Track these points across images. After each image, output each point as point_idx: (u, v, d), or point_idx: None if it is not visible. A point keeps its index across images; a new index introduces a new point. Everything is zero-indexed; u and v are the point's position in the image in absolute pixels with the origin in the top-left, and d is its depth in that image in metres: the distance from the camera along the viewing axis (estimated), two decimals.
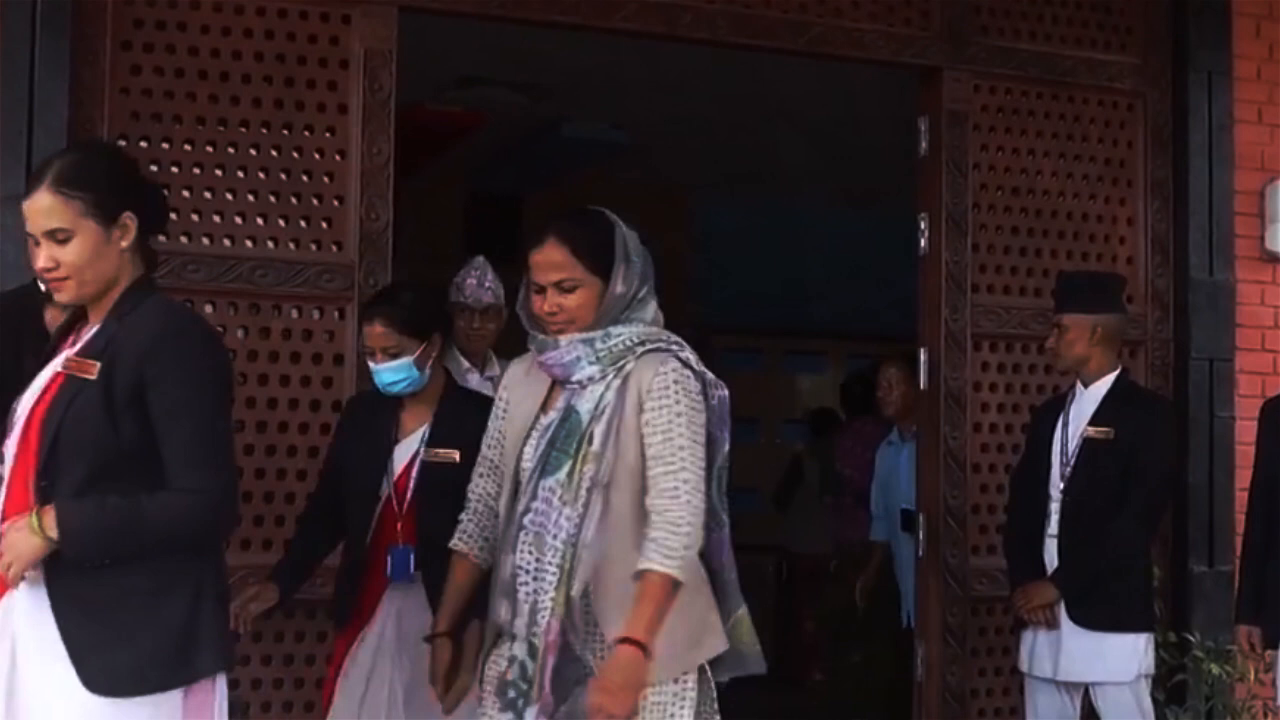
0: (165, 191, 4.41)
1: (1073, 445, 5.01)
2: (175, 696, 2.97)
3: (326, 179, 5.01)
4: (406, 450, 4.25)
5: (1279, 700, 4.98)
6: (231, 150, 4.91)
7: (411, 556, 4.15)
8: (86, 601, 2.93)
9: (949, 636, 5.65)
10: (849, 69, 6.03)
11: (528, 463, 3.44)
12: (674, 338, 3.48)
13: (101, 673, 2.89)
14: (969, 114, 5.79)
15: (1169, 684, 5.43)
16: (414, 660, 4.05)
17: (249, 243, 4.91)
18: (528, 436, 3.47)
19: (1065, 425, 5.06)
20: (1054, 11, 5.95)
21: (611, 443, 3.34)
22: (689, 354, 3.46)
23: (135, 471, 2.96)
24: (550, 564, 3.34)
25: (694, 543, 3.30)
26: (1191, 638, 5.50)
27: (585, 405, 3.40)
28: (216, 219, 4.90)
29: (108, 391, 2.95)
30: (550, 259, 3.43)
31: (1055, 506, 5.00)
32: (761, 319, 10.12)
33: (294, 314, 4.97)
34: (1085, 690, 5.00)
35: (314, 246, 4.99)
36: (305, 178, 4.99)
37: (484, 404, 3.81)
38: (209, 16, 4.91)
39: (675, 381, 3.37)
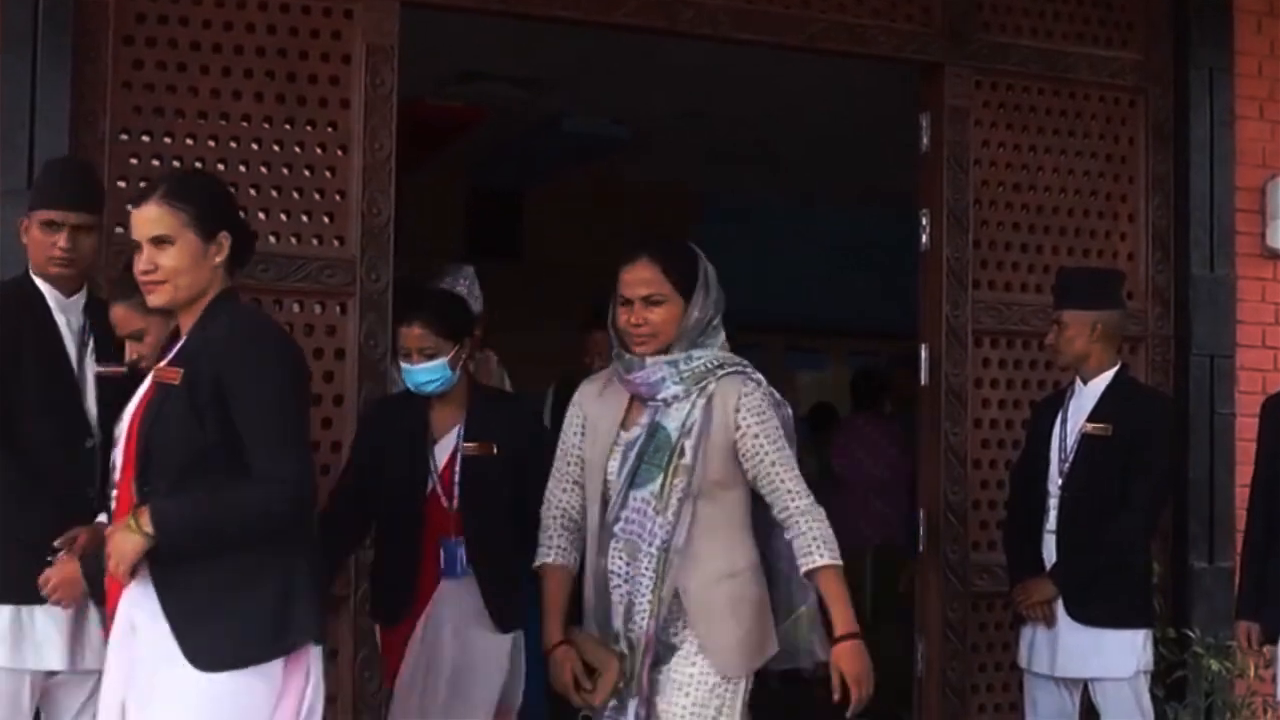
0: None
1: (1071, 441, 5.02)
2: (276, 666, 3.23)
3: (328, 174, 5.01)
4: (445, 448, 4.41)
5: (1278, 696, 4.99)
6: (233, 145, 4.92)
7: (463, 550, 4.31)
8: (188, 588, 3.19)
9: (949, 632, 5.65)
10: (850, 65, 6.04)
11: (613, 475, 3.78)
12: (745, 361, 3.85)
13: (206, 651, 3.16)
14: (970, 110, 5.79)
15: (1169, 680, 5.43)
16: (465, 651, 4.29)
17: None
18: (611, 451, 3.80)
19: (1064, 421, 5.06)
20: (1055, 7, 5.95)
21: (700, 457, 3.70)
22: (760, 376, 3.84)
23: (222, 467, 3.21)
24: (646, 569, 3.69)
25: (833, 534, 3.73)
26: (1191, 634, 5.50)
27: (672, 422, 3.75)
28: None
29: (191, 394, 3.21)
30: (640, 275, 3.80)
31: (1054, 503, 5.00)
32: (762, 315, 10.12)
33: (296, 308, 4.97)
34: (1084, 686, 5.00)
35: (316, 241, 4.99)
36: (307, 172, 4.99)
37: (510, 401, 4.16)
38: (211, 11, 4.91)
39: (762, 400, 3.77)
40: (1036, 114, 5.92)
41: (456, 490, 4.37)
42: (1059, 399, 5.17)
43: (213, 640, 3.17)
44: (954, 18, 5.77)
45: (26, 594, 3.88)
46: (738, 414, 3.73)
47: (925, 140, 5.81)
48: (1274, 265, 6.12)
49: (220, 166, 4.89)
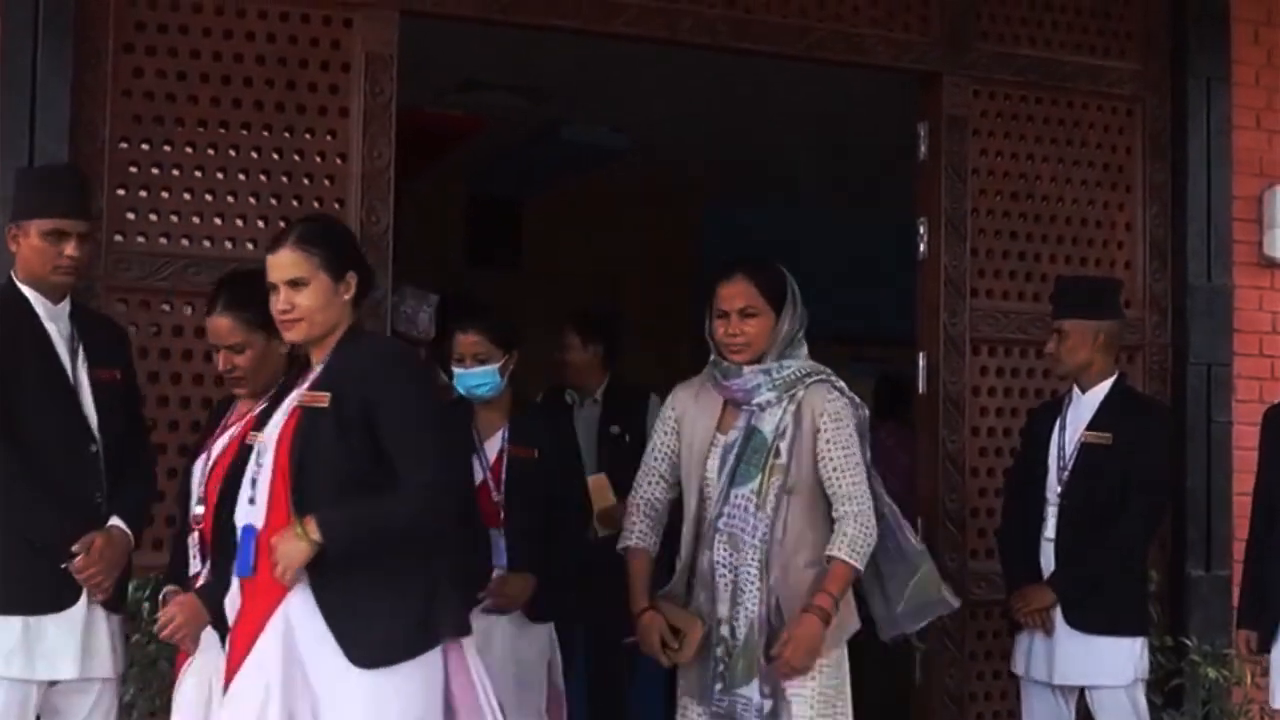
0: (166, 194, 4.47)
1: (1070, 449, 5.02)
2: (436, 659, 3.57)
3: (327, 182, 5.02)
4: (491, 450, 4.77)
5: (1272, 703, 4.99)
6: (233, 153, 4.93)
7: (503, 541, 4.64)
8: (343, 591, 3.49)
9: (947, 640, 5.66)
10: (849, 74, 6.05)
11: (712, 474, 4.20)
12: (828, 369, 4.26)
13: (363, 648, 3.46)
14: (968, 119, 5.81)
15: (1166, 688, 5.44)
16: (520, 629, 4.67)
17: (250, 245, 4.92)
18: (709, 451, 4.21)
19: (1062, 429, 5.07)
20: (1053, 17, 5.97)
21: (794, 458, 4.12)
22: (842, 384, 4.25)
23: (369, 480, 3.53)
24: (750, 560, 4.12)
25: (874, 542, 4.16)
26: (1189, 642, 5.51)
27: (767, 426, 4.16)
28: (218, 221, 4.91)
29: (339, 415, 3.52)
30: (736, 290, 4.21)
31: (1052, 510, 5.01)
32: None
33: None
34: (1080, 694, 5.01)
35: None
36: (306, 181, 5.01)
37: (551, 414, 4.73)
38: (211, 20, 4.93)
39: (843, 407, 4.19)
40: (1034, 123, 5.93)
41: (503, 484, 4.72)
42: (1056, 407, 5.18)
43: (370, 639, 3.47)
44: (952, 27, 5.79)
45: (38, 604, 3.90)
46: (821, 418, 4.16)
47: (923, 149, 5.82)
48: (1271, 274, 6.13)
49: (219, 175, 4.91)
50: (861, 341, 10.30)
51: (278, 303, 3.65)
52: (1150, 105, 6.08)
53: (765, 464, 4.12)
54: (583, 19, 5.33)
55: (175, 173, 4.85)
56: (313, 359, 3.70)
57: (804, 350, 4.28)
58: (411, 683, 3.50)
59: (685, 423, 4.30)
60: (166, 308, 4.83)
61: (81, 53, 4.75)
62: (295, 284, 3.63)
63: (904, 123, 5.98)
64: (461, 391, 4.78)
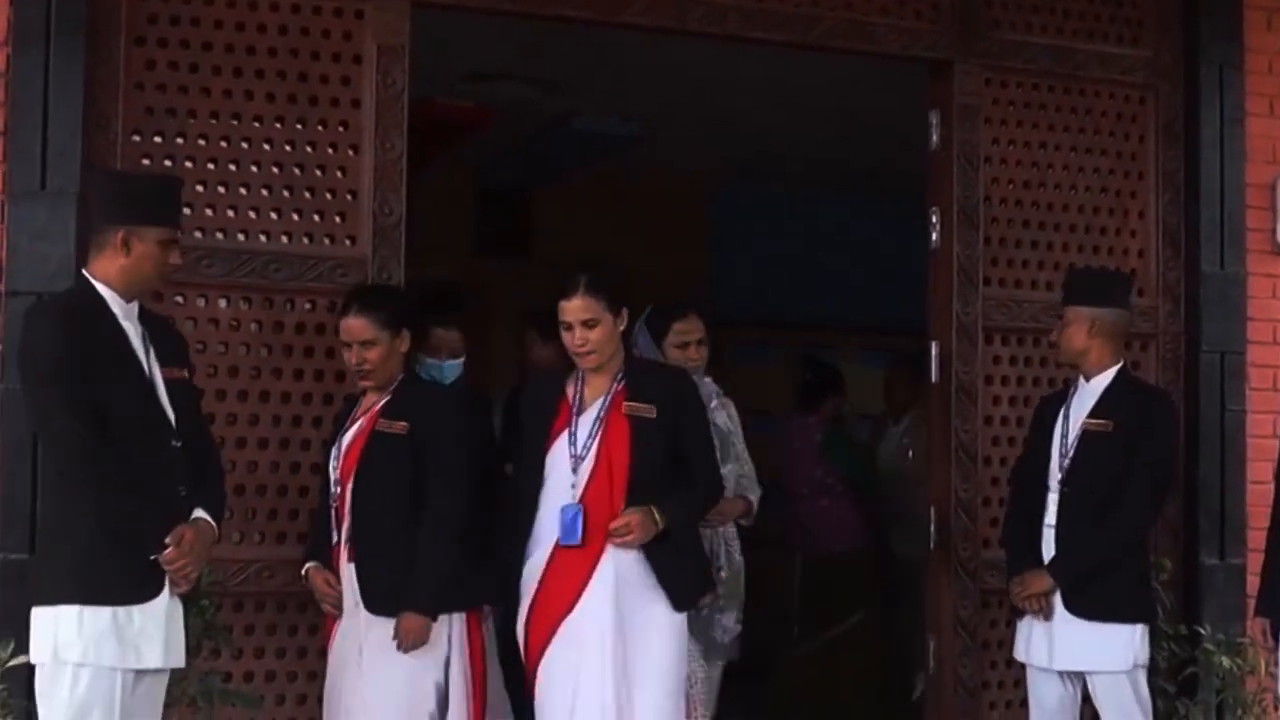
0: (180, 186, 4.47)
1: (1072, 437, 5.06)
2: None
3: (340, 174, 5.02)
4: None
5: None
6: (245, 145, 4.94)
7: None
8: (663, 555, 4.65)
9: (960, 629, 5.66)
10: (859, 62, 6.04)
11: None
12: None
13: (681, 598, 4.71)
14: (980, 107, 5.80)
15: (1180, 677, 5.44)
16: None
17: (263, 237, 4.93)
18: None
19: (1066, 418, 5.12)
20: (1065, 5, 5.95)
21: None
22: None
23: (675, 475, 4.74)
24: None
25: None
26: (1202, 630, 5.51)
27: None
28: (230, 214, 4.92)
29: (660, 424, 4.72)
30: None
31: (1053, 498, 5.06)
32: (774, 312, 10.11)
33: (308, 308, 4.99)
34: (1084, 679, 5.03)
35: (327, 241, 5.01)
36: (319, 172, 5.01)
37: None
38: (222, 12, 4.93)
39: None
40: (1046, 111, 5.92)
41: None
42: (1062, 396, 5.23)
43: (685, 591, 4.71)
44: (963, 15, 5.77)
45: (127, 595, 3.96)
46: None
47: (935, 138, 5.81)
48: None
49: (232, 167, 4.91)
50: (870, 331, 10.30)
51: (576, 338, 4.66)
52: (1163, 93, 6.06)
53: None
54: (593, 9, 5.33)
55: (188, 165, 4.86)
56: (599, 380, 4.73)
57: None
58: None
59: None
60: (180, 300, 4.84)
61: (94, 45, 4.75)
62: (589, 324, 4.65)
63: (915, 112, 5.97)
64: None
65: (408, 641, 4.56)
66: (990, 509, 5.73)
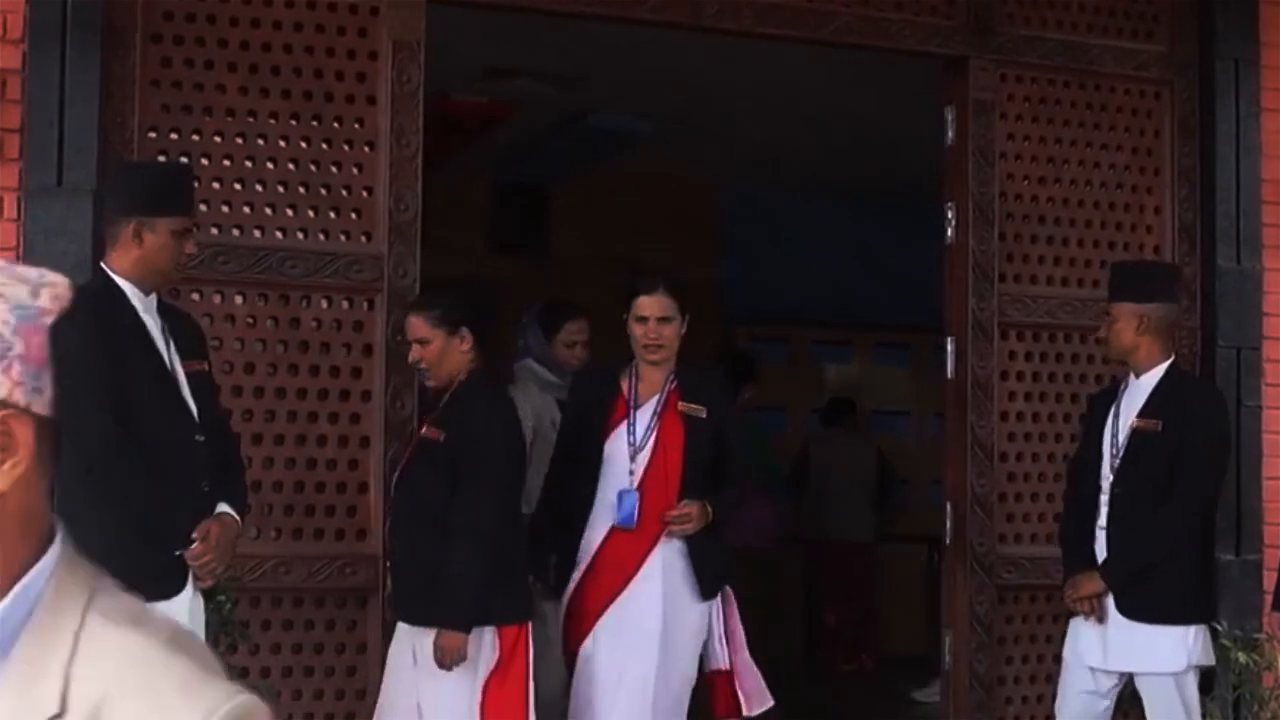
0: (196, 183, 4.48)
1: (1123, 436, 4.97)
2: None
3: (355, 170, 5.03)
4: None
5: None
6: (261, 142, 4.95)
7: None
8: (699, 544, 4.91)
9: (976, 625, 5.66)
10: (874, 59, 6.04)
11: None
12: None
13: (711, 587, 4.94)
14: (995, 103, 5.79)
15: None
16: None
17: (279, 234, 4.94)
18: None
19: (1116, 416, 5.01)
20: (1080, 0, 5.94)
21: None
22: None
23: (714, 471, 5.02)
24: None
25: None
26: (1219, 626, 5.49)
27: None
28: (246, 210, 4.93)
29: (705, 422, 4.98)
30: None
31: (1105, 498, 4.96)
32: (788, 308, 10.12)
33: (324, 304, 5.00)
34: (1128, 679, 4.98)
35: (343, 237, 5.02)
36: (334, 169, 5.02)
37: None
38: (238, 9, 4.94)
39: None
40: (1061, 107, 5.91)
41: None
42: (1113, 393, 5.13)
43: (714, 581, 4.95)
44: (978, 11, 5.77)
45: (153, 590, 3.92)
46: None
47: (950, 134, 5.81)
48: None
49: (248, 163, 4.92)
50: (879, 328, 10.31)
51: (650, 333, 4.87)
52: (1178, 88, 6.05)
53: None
54: (608, 5, 5.33)
55: (204, 162, 4.87)
56: (654, 377, 4.96)
57: None
58: None
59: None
60: (196, 296, 4.85)
61: (109, 43, 4.76)
62: (664, 320, 4.87)
63: (929, 109, 5.96)
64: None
65: (446, 660, 4.53)
66: (1006, 504, 5.72)
